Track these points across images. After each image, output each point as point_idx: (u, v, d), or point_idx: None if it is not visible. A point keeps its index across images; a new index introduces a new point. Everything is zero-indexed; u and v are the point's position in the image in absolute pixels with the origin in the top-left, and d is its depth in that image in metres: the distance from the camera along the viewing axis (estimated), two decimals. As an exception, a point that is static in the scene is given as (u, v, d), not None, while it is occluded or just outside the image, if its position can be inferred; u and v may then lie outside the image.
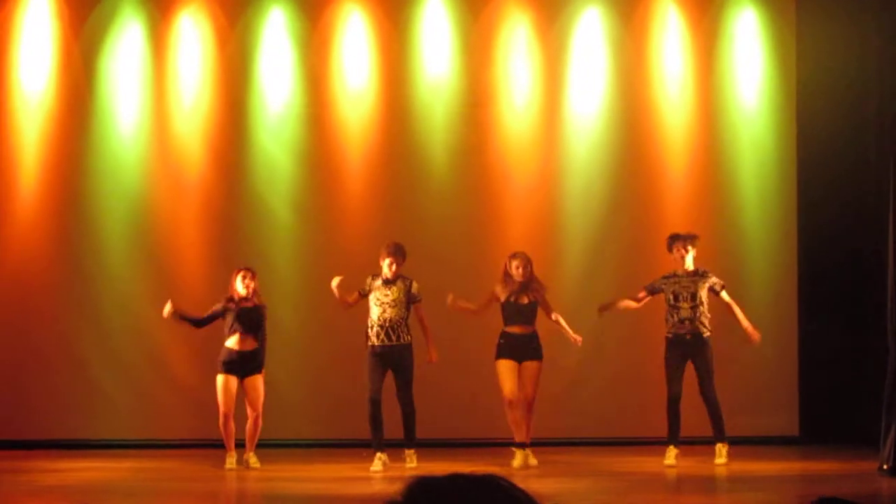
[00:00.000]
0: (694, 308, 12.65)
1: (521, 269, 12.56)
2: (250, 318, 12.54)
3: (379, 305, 12.45)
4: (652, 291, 12.82)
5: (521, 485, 2.12)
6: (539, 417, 12.80)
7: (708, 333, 12.67)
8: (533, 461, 12.45)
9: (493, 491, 2.03)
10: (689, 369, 12.66)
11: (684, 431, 12.72)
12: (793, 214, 14.46)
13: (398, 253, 12.48)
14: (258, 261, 13.91)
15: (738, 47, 14.61)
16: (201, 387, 13.34)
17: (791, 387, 14.36)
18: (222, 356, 12.51)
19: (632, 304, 12.90)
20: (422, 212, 14.40)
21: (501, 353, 12.56)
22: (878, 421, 12.10)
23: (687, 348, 12.60)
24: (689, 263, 12.73)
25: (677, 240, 12.81)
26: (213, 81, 14.46)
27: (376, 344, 12.40)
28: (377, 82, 14.52)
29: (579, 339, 12.73)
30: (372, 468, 12.21)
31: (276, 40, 14.49)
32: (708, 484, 11.97)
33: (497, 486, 2.04)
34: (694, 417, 12.72)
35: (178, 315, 12.58)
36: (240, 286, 12.55)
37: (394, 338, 12.41)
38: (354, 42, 14.52)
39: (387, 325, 12.42)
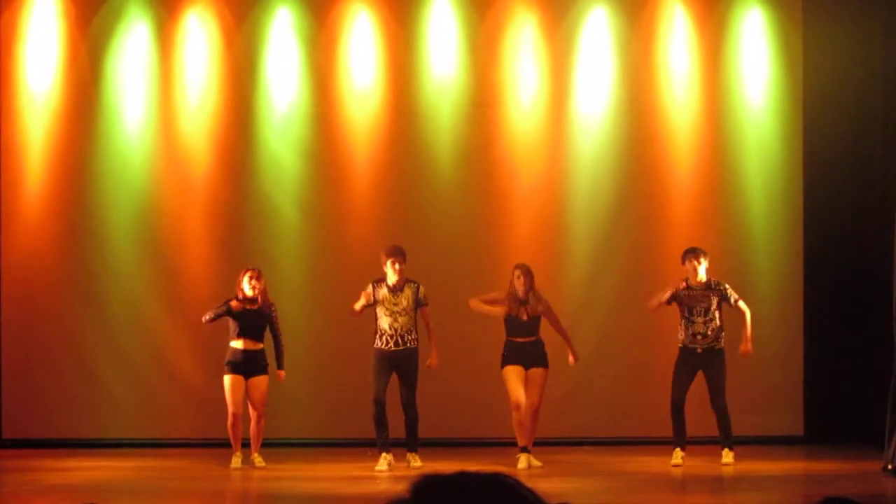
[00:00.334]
0: (707, 323, 12.66)
1: (521, 280, 12.57)
2: (254, 321, 12.56)
3: (389, 315, 12.46)
4: (675, 299, 12.78)
5: (527, 484, 2.13)
6: (544, 417, 12.79)
7: (721, 346, 12.67)
8: (536, 463, 12.45)
9: (501, 489, 2.04)
10: (700, 377, 12.68)
11: (692, 431, 12.72)
12: (798, 215, 14.45)
13: (399, 254, 12.48)
14: (264, 259, 13.92)
15: (744, 47, 14.59)
16: (207, 386, 13.36)
17: (796, 387, 14.35)
18: (227, 357, 12.55)
19: (659, 301, 12.81)
20: (428, 211, 14.40)
21: (507, 360, 12.58)
22: (882, 421, 12.11)
23: (697, 360, 12.65)
24: (702, 275, 12.71)
25: (689, 253, 12.78)
26: (219, 80, 14.45)
27: (384, 349, 12.43)
28: (384, 82, 14.51)
29: (574, 360, 12.74)
30: (377, 468, 12.23)
31: (282, 40, 14.48)
32: (712, 484, 11.98)
33: (504, 484, 2.05)
34: (699, 418, 12.71)
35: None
36: (246, 287, 12.57)
37: (401, 343, 12.45)
38: (361, 41, 14.51)
39: (397, 333, 12.45)
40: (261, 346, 12.59)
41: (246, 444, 12.65)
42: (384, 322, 12.46)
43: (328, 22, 14.53)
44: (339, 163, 14.45)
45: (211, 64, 14.46)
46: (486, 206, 14.42)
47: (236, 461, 12.53)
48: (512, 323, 12.59)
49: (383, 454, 12.30)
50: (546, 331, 12.76)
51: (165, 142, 14.37)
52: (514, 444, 12.58)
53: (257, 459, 12.60)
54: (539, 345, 12.60)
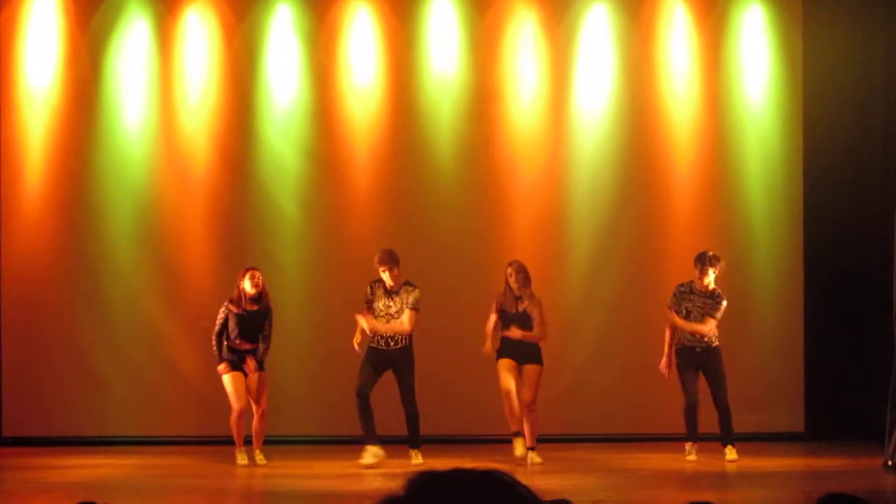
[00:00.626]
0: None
1: (513, 277, 12.60)
2: (253, 323, 12.59)
3: (383, 316, 12.51)
4: (677, 306, 12.81)
5: (525, 481, 2.13)
6: (545, 414, 12.80)
7: (717, 343, 12.72)
8: (537, 459, 12.47)
9: (496, 486, 2.04)
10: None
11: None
12: (799, 211, 14.44)
13: (391, 260, 12.52)
14: (264, 257, 13.93)
15: (744, 44, 14.58)
16: (207, 383, 13.36)
17: (797, 383, 14.35)
18: (225, 355, 12.56)
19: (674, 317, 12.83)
20: (428, 208, 14.39)
21: (502, 353, 12.62)
22: (883, 417, 12.11)
23: (699, 360, 12.70)
24: (711, 282, 12.73)
25: (704, 260, 12.78)
26: (219, 77, 14.45)
27: (377, 347, 12.50)
28: (384, 79, 14.50)
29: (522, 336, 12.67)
30: (363, 461, 12.28)
31: (282, 36, 14.47)
32: (713, 480, 11.97)
33: (499, 481, 2.05)
34: (701, 415, 12.72)
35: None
36: (248, 285, 12.57)
37: (392, 343, 12.49)
38: (361, 38, 14.50)
39: (389, 334, 12.49)
40: (254, 346, 12.64)
41: (248, 442, 12.66)
42: (380, 322, 12.52)
43: (328, 19, 14.52)
44: (340, 159, 14.44)
45: (211, 61, 14.45)
46: (486, 202, 14.42)
47: (242, 458, 12.54)
48: (505, 318, 12.62)
49: (368, 446, 12.33)
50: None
51: (165, 139, 14.37)
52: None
53: (259, 457, 12.61)
54: (533, 342, 12.63)
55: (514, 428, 12.53)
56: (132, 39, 14.38)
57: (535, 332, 12.60)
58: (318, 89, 14.48)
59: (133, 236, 14.28)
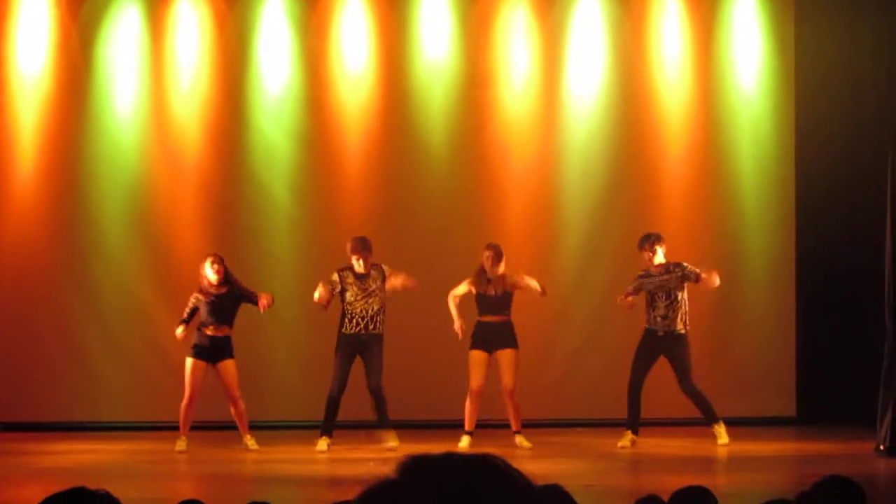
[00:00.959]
0: (669, 306, 12.74)
1: (490, 261, 12.62)
2: (223, 306, 12.61)
3: (362, 298, 12.58)
4: (636, 292, 12.87)
5: (517, 465, 2.13)
6: (535, 399, 12.84)
7: (683, 330, 12.73)
8: (526, 444, 12.54)
9: (488, 469, 2.04)
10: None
11: (683, 412, 12.82)
12: (791, 198, 14.45)
13: (365, 248, 12.60)
14: (256, 243, 13.94)
15: (736, 30, 14.57)
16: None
17: (788, 368, 14.37)
18: (194, 340, 12.64)
19: (625, 298, 12.86)
20: (420, 194, 14.39)
21: (474, 343, 12.73)
22: (875, 401, 12.13)
23: (658, 344, 12.74)
24: (660, 258, 12.79)
25: (645, 241, 12.85)
26: (211, 64, 14.42)
27: (351, 333, 12.61)
28: (376, 65, 14.48)
29: (542, 293, 12.76)
30: (318, 448, 12.47)
31: (274, 23, 14.45)
32: (704, 464, 12.00)
33: (492, 464, 2.05)
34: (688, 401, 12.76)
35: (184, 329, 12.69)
36: (210, 272, 12.58)
37: (370, 328, 12.56)
38: (353, 25, 14.48)
39: (367, 315, 12.59)
40: (229, 332, 12.64)
41: (232, 428, 12.69)
42: (356, 306, 12.58)
43: (320, 5, 14.50)
44: (332, 146, 14.43)
45: (202, 48, 14.42)
46: (478, 188, 14.42)
47: (181, 444, 12.58)
48: (481, 300, 12.65)
49: (325, 437, 12.55)
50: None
51: (157, 126, 14.34)
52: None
53: (250, 442, 12.63)
54: (507, 325, 12.70)
55: (468, 427, 12.69)
56: (123, 26, 14.34)
57: (535, 286, 12.63)
58: (310, 75, 14.46)
59: (125, 223, 14.27)
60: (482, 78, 14.50)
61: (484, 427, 13.12)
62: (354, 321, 12.58)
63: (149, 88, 14.36)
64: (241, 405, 12.65)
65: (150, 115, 14.34)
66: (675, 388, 12.73)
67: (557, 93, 14.51)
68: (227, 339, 12.66)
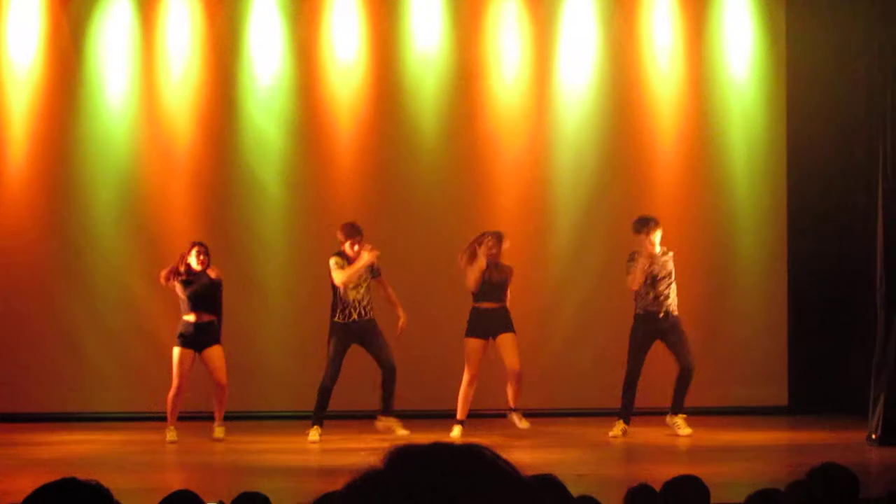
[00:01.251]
0: (669, 286, 12.69)
1: (496, 247, 12.59)
2: (205, 293, 12.58)
3: (354, 287, 12.59)
4: (647, 277, 12.77)
5: (509, 455, 2.12)
6: (527, 389, 12.82)
7: (677, 312, 12.70)
8: (524, 424, 12.53)
9: (477, 460, 2.03)
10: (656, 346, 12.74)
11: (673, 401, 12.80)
12: (783, 187, 14.45)
13: (360, 233, 12.56)
14: (247, 232, 13.93)
15: (727, 21, 14.56)
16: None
17: (780, 357, 14.37)
18: (179, 329, 12.61)
19: (642, 275, 12.76)
20: (412, 184, 14.38)
21: (471, 330, 12.66)
22: (866, 391, 12.14)
23: (657, 326, 12.65)
24: (659, 240, 12.78)
25: (646, 223, 12.74)
26: (202, 53, 14.39)
27: (347, 321, 12.59)
28: (367, 55, 14.46)
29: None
30: (309, 439, 12.44)
31: (265, 12, 14.42)
32: (697, 454, 12.00)
33: (481, 455, 2.03)
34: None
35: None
36: (194, 261, 12.57)
37: (364, 315, 12.62)
38: (344, 14, 14.45)
39: (360, 304, 12.60)
40: (213, 317, 12.63)
41: (225, 418, 12.70)
42: (350, 294, 12.56)
43: (311, -6, 14.47)
44: (323, 136, 14.42)
45: (193, 37, 14.39)
46: (469, 178, 14.41)
47: (171, 434, 12.57)
48: (484, 286, 12.60)
49: (316, 426, 12.54)
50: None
51: (148, 115, 14.32)
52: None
53: (218, 431, 12.63)
54: (504, 311, 12.66)
55: (460, 416, 12.66)
56: (114, 16, 14.31)
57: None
58: (301, 65, 14.44)
59: (116, 212, 14.25)
60: (473, 68, 14.48)
61: (476, 417, 13.12)
62: (348, 310, 12.57)
63: (140, 79, 14.33)
64: (225, 394, 12.64)
65: (141, 105, 14.31)
66: (667, 377, 12.71)
67: (549, 83, 14.50)
68: (211, 324, 12.64)
